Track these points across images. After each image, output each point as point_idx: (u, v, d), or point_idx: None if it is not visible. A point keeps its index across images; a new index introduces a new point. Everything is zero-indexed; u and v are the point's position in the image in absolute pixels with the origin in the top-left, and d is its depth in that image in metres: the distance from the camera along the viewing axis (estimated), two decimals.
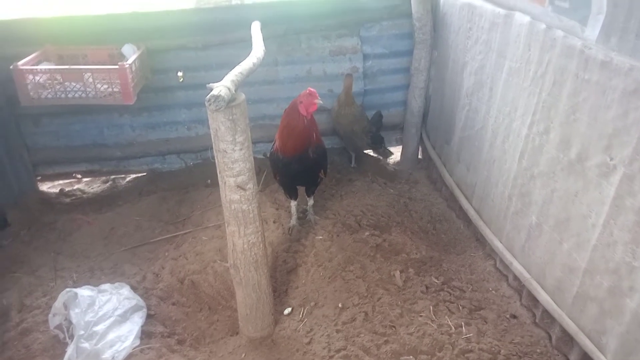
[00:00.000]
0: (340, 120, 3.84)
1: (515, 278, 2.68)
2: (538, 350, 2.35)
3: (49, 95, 3.14)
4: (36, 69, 3.12)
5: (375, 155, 4.16)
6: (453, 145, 3.48)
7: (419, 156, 4.27)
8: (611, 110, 1.92)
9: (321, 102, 2.67)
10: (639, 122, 1.80)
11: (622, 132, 1.88)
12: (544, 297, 2.41)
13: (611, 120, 1.92)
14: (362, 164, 4.15)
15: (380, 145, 4.12)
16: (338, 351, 2.31)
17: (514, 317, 2.57)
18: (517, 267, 2.64)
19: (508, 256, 2.73)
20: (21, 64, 3.08)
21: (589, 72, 2.02)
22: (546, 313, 2.42)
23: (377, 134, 4.00)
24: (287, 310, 2.59)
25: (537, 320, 2.51)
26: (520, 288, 2.66)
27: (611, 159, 1.94)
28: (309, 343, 2.38)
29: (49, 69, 3.13)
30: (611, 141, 1.93)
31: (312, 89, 2.65)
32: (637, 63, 1.80)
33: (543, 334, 2.45)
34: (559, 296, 2.32)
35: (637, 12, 1.79)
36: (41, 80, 3.12)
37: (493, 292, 2.74)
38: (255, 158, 2.17)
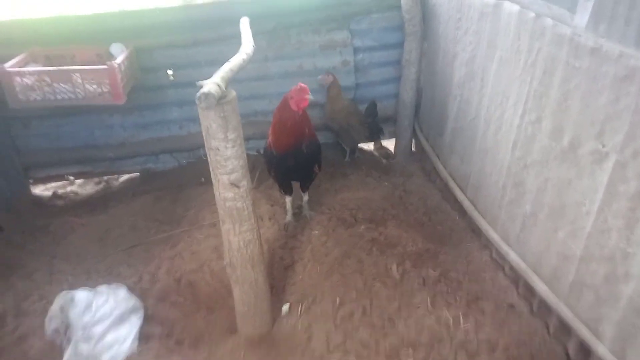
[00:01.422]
0: (335, 116, 3.83)
1: (512, 268, 2.69)
2: (536, 340, 2.36)
3: (38, 97, 3.11)
4: (24, 70, 3.08)
5: (376, 154, 4.13)
6: (446, 137, 3.48)
7: (413, 148, 4.28)
8: (602, 96, 1.92)
9: (312, 97, 2.67)
10: (630, 108, 1.80)
11: (613, 118, 1.88)
12: (540, 286, 2.42)
13: (603, 107, 1.93)
14: (356, 158, 4.14)
15: (379, 136, 4.11)
16: (337, 347, 2.31)
17: (512, 306, 2.57)
18: (513, 257, 2.64)
19: (504, 246, 2.73)
20: (8, 66, 3.05)
21: (579, 59, 2.02)
22: (543, 302, 2.42)
23: (375, 122, 4.00)
24: (285, 307, 2.59)
25: (534, 310, 2.52)
26: (516, 278, 2.67)
27: (603, 146, 1.95)
28: (308, 340, 2.38)
29: (37, 71, 3.10)
30: (603, 127, 1.94)
31: (302, 84, 2.65)
32: (626, 49, 1.80)
33: (540, 323, 2.45)
34: (555, 285, 2.33)
35: None
36: (29, 82, 3.09)
37: (490, 282, 2.75)
38: (248, 155, 2.16)
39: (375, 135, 4.06)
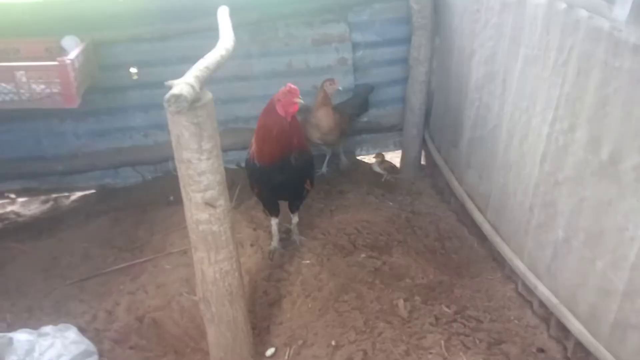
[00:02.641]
0: (327, 137, 3.79)
1: (541, 304, 2.68)
2: None
3: None
4: None
5: (377, 169, 4.10)
6: (462, 148, 3.49)
7: (422, 162, 4.28)
8: None
9: (302, 101, 2.67)
10: None
11: None
12: (575, 326, 2.40)
13: None
14: (354, 171, 4.14)
15: (364, 110, 4.14)
16: None
17: (542, 351, 2.55)
18: (542, 291, 2.64)
19: (532, 278, 2.72)
20: None
21: (619, 58, 2.03)
22: (579, 345, 2.41)
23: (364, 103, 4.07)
24: (269, 352, 2.56)
25: (569, 355, 2.50)
26: (547, 316, 2.66)
27: None
28: None
29: None
30: None
31: (292, 86, 2.65)
32: None
33: None
34: (594, 325, 2.31)
35: None
36: None
37: (515, 321, 2.74)
38: (226, 169, 2.15)
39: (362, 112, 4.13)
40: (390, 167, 4.19)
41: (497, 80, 2.96)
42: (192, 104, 1.83)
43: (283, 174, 2.81)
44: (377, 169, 4.10)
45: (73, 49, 3.28)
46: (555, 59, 2.42)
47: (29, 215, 3.94)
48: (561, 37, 2.36)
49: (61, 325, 2.66)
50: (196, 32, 3.58)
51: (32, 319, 2.83)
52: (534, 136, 2.64)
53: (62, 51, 3.34)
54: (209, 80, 1.99)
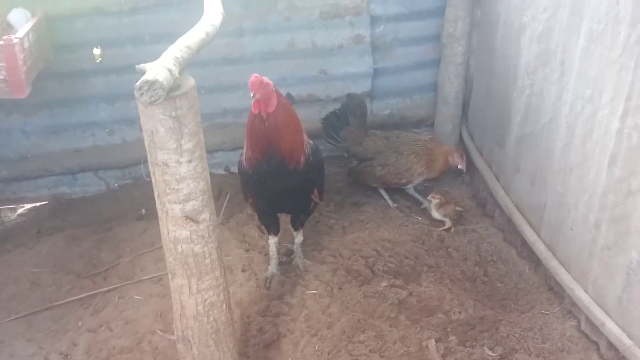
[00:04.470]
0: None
1: (610, 346, 2.66)
2: None
3: None
4: None
5: (440, 218, 3.96)
6: (509, 149, 3.49)
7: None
8: None
9: (258, 95, 2.65)
10: None
11: None
12: None
13: None
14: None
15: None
16: None
17: None
18: (611, 328, 2.62)
19: (598, 313, 2.71)
20: None
21: None
22: None
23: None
24: None
25: None
26: None
27: None
28: None
29: None
30: None
31: (256, 76, 2.65)
32: None
33: None
34: None
35: None
36: None
37: None
38: (212, 174, 2.16)
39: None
40: (456, 212, 3.82)
41: (553, 62, 2.96)
42: (170, 92, 1.83)
43: (282, 181, 2.82)
44: (437, 215, 3.82)
45: (22, 25, 3.31)
46: (627, 35, 2.41)
47: None
48: (634, 8, 2.36)
49: None
50: (174, 4, 3.61)
51: None
52: (600, 132, 2.63)
53: (9, 28, 3.36)
54: (190, 63, 2.00)
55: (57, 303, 3.18)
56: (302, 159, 2.85)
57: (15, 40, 3.08)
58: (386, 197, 3.98)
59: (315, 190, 3.03)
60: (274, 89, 2.70)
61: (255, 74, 2.66)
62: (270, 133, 2.74)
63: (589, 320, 2.81)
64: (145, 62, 1.87)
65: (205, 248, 2.10)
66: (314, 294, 3.02)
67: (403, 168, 3.82)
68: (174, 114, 1.87)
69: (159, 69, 1.80)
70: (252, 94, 2.64)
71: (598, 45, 2.60)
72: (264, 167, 2.79)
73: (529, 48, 3.18)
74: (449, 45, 3.88)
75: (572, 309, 2.97)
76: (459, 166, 3.71)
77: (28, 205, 4.10)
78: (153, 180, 2.00)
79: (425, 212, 3.86)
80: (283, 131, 2.77)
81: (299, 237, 3.22)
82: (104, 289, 3.22)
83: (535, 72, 3.13)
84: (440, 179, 4.06)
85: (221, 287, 2.21)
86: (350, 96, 3.96)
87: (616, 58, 2.48)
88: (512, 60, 3.37)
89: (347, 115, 3.94)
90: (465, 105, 4.08)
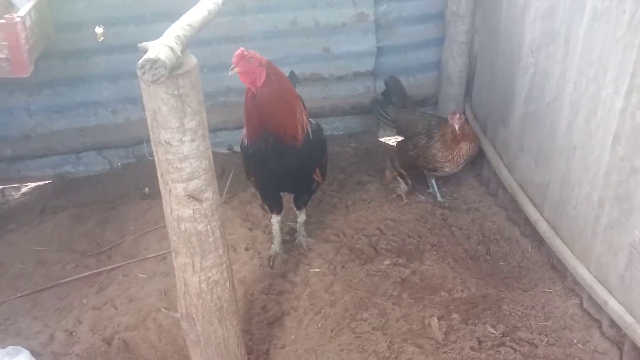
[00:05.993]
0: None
1: (612, 324, 2.67)
2: None
3: None
4: None
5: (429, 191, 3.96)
6: (513, 127, 3.48)
7: None
8: None
9: (237, 69, 2.62)
10: None
11: None
12: None
13: None
14: (375, 156, 4.13)
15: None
16: None
17: None
18: (614, 307, 2.62)
19: (601, 291, 2.71)
20: None
21: None
22: None
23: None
24: None
25: None
26: (619, 339, 2.65)
27: None
28: None
29: None
30: None
31: (241, 50, 2.63)
32: None
33: None
34: None
35: None
36: None
37: (579, 345, 2.73)
38: (215, 153, 2.16)
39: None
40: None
41: (557, 41, 2.94)
42: (172, 71, 1.83)
43: (283, 159, 2.82)
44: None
45: (24, 4, 3.29)
46: (632, 12, 2.39)
47: None
48: None
49: (10, 349, 2.67)
50: None
51: None
52: (604, 111, 2.62)
53: (10, 7, 3.35)
54: (193, 41, 1.99)
55: (62, 281, 3.20)
56: (299, 136, 2.83)
57: (17, 19, 3.07)
58: (435, 188, 3.85)
59: (318, 170, 3.02)
60: (262, 64, 2.65)
61: (242, 48, 2.64)
62: (260, 109, 2.73)
63: (591, 299, 2.81)
64: (147, 41, 1.87)
65: (209, 226, 2.11)
66: (317, 272, 3.03)
67: (429, 153, 3.68)
68: (176, 92, 1.87)
69: (161, 48, 1.80)
70: (232, 69, 2.63)
71: (602, 23, 2.59)
72: (262, 146, 2.79)
73: (533, 26, 3.16)
74: (453, 24, 3.86)
75: (574, 287, 2.98)
76: (456, 126, 3.49)
77: (32, 184, 4.12)
78: (156, 159, 2.00)
79: (429, 190, 3.85)
80: (273, 107, 2.75)
81: (301, 216, 3.22)
82: (109, 267, 3.24)
83: (539, 50, 3.12)
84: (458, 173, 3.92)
85: (224, 265, 2.22)
86: (389, 78, 4.02)
87: (621, 36, 2.47)
88: (516, 39, 3.35)
89: (390, 95, 4.00)
90: (469, 84, 4.06)
